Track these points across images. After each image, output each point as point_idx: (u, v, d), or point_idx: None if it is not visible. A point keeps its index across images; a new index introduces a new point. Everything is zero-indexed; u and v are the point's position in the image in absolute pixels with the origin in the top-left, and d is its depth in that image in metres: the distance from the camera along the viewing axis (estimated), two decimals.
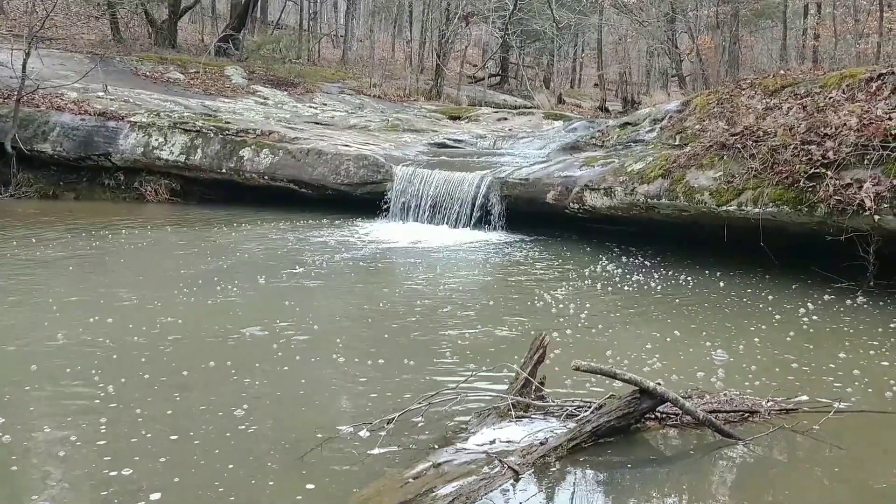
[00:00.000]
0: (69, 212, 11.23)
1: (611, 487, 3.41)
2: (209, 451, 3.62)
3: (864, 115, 7.23)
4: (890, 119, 7.02)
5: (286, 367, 4.83)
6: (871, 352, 5.42)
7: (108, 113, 13.13)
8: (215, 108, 15.85)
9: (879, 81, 7.76)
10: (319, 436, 3.75)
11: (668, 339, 5.65)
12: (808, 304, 6.65)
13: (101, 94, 14.30)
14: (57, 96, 13.40)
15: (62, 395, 4.30)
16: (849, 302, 6.80)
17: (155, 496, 3.20)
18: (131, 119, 13.02)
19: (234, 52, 22.66)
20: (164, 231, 10.00)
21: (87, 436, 3.74)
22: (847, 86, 8.03)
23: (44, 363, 4.73)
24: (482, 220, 10.70)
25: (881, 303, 6.79)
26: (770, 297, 7.01)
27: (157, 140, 12.74)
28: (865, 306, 6.72)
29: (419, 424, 3.92)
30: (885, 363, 5.18)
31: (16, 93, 12.50)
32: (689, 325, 6.10)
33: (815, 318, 6.33)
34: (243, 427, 3.90)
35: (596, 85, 34.15)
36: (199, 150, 12.62)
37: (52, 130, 12.65)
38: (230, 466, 3.48)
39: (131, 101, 14.56)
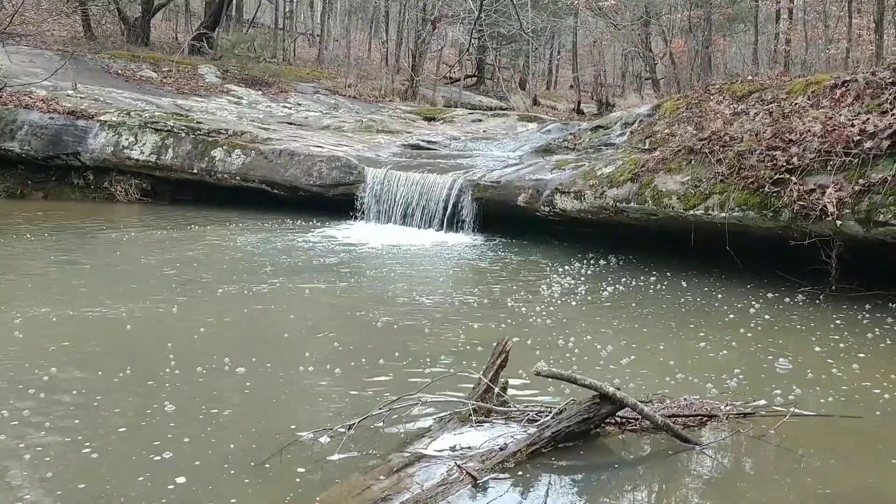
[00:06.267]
0: (36, 211, 11.07)
1: (568, 492, 3.44)
2: (161, 463, 3.59)
3: (828, 122, 7.34)
4: (853, 126, 7.12)
5: (244, 372, 4.79)
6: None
7: (77, 111, 12.97)
8: (188, 107, 15.73)
9: (843, 88, 7.88)
10: (280, 441, 3.74)
11: (633, 344, 5.71)
12: (755, 303, 6.85)
13: (70, 92, 14.12)
14: (25, 94, 13.20)
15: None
16: (788, 300, 7.07)
17: None
18: (101, 118, 12.86)
19: (209, 51, 22.49)
20: (131, 232, 9.89)
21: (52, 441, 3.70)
22: (812, 92, 8.15)
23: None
24: (454, 222, 10.71)
25: (817, 302, 7.07)
26: (721, 298, 7.20)
27: (127, 139, 12.61)
28: (801, 305, 6.98)
29: (380, 430, 3.92)
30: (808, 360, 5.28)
31: None
32: (656, 330, 6.16)
33: (767, 316, 6.50)
34: (201, 434, 3.87)
35: (571, 87, 34.34)
36: (170, 150, 12.51)
37: (20, 129, 12.46)
38: (181, 478, 3.43)
39: (102, 99, 14.40)
